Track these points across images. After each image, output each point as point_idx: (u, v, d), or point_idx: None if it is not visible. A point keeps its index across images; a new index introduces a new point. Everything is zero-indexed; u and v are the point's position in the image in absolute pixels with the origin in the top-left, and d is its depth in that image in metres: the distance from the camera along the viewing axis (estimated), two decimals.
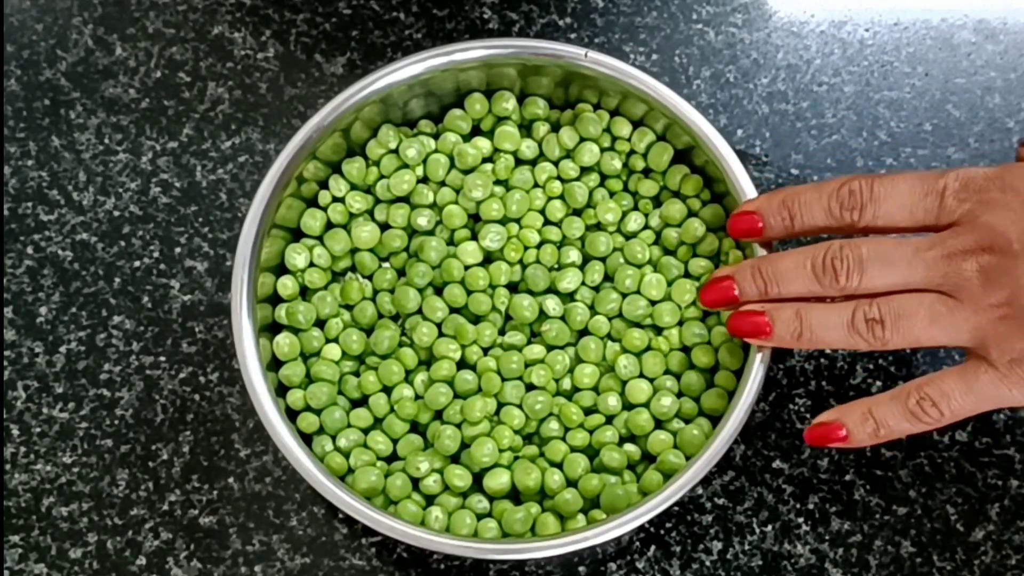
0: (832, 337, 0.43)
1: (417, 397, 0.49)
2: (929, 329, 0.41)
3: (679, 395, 0.48)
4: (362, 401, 0.49)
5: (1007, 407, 0.43)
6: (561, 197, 0.50)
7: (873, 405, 0.42)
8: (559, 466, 0.47)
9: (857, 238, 0.42)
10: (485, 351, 0.49)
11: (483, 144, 0.50)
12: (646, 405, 0.48)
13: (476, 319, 0.49)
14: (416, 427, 0.49)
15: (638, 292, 0.49)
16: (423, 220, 0.50)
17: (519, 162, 0.51)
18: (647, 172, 0.51)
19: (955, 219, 0.41)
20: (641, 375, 0.48)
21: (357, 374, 0.49)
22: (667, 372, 0.48)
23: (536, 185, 0.50)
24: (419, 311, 0.49)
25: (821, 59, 0.55)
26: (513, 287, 0.50)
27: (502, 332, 0.49)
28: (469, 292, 0.49)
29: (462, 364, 0.49)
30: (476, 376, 0.48)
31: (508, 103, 0.50)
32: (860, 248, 0.42)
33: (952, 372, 0.42)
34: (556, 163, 0.50)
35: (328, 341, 0.49)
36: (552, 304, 0.49)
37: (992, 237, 0.40)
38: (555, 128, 0.51)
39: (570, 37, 0.55)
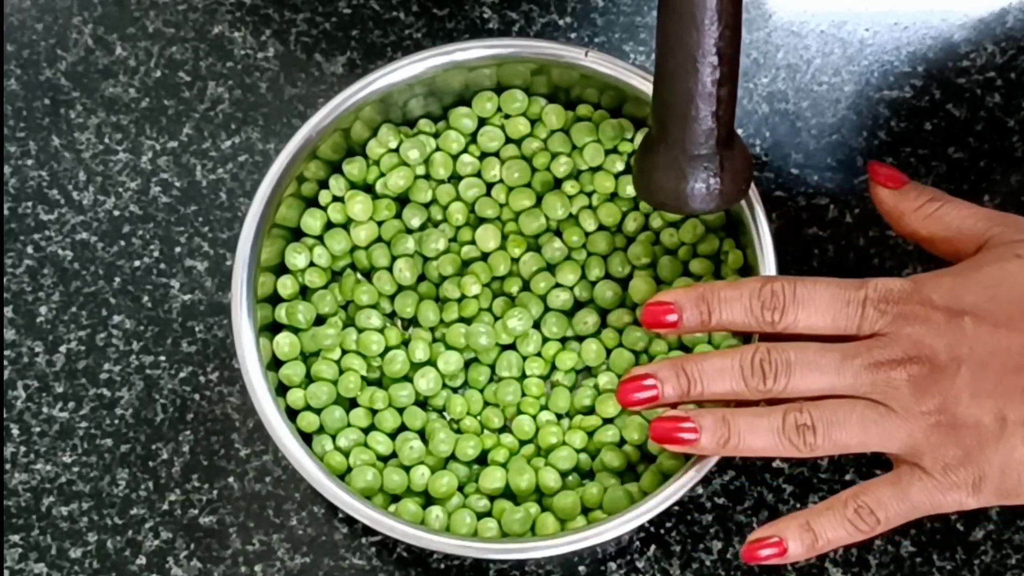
0: (761, 443, 0.41)
1: (417, 399, 0.49)
2: (860, 436, 0.41)
3: None
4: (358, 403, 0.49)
5: (940, 512, 0.41)
6: (566, 196, 0.50)
7: (811, 517, 0.42)
8: (557, 468, 0.48)
9: (782, 342, 0.41)
10: (473, 362, 0.50)
11: (495, 135, 0.50)
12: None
13: (471, 319, 0.49)
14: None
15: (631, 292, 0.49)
16: (416, 221, 0.50)
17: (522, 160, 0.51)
18: None
19: (877, 329, 0.41)
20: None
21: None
22: None
23: (529, 184, 0.50)
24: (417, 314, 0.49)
25: (821, 59, 0.55)
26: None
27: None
28: (463, 297, 0.49)
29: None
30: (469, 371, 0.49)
31: (516, 103, 0.50)
32: (788, 351, 0.41)
33: (886, 480, 0.41)
34: (549, 162, 0.50)
35: (328, 340, 0.49)
36: (563, 298, 0.49)
37: (918, 349, 0.40)
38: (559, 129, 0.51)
39: (570, 37, 0.55)
